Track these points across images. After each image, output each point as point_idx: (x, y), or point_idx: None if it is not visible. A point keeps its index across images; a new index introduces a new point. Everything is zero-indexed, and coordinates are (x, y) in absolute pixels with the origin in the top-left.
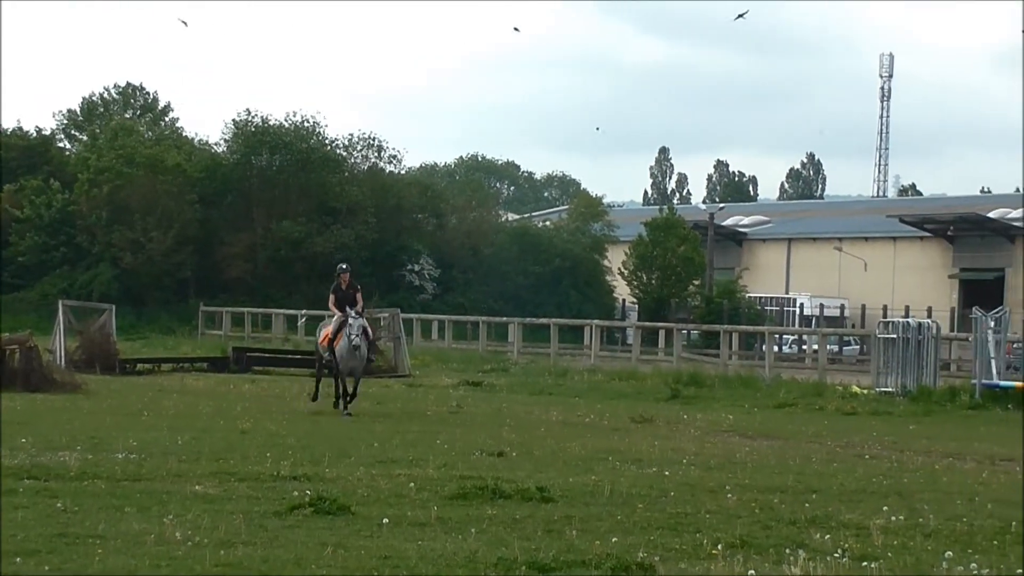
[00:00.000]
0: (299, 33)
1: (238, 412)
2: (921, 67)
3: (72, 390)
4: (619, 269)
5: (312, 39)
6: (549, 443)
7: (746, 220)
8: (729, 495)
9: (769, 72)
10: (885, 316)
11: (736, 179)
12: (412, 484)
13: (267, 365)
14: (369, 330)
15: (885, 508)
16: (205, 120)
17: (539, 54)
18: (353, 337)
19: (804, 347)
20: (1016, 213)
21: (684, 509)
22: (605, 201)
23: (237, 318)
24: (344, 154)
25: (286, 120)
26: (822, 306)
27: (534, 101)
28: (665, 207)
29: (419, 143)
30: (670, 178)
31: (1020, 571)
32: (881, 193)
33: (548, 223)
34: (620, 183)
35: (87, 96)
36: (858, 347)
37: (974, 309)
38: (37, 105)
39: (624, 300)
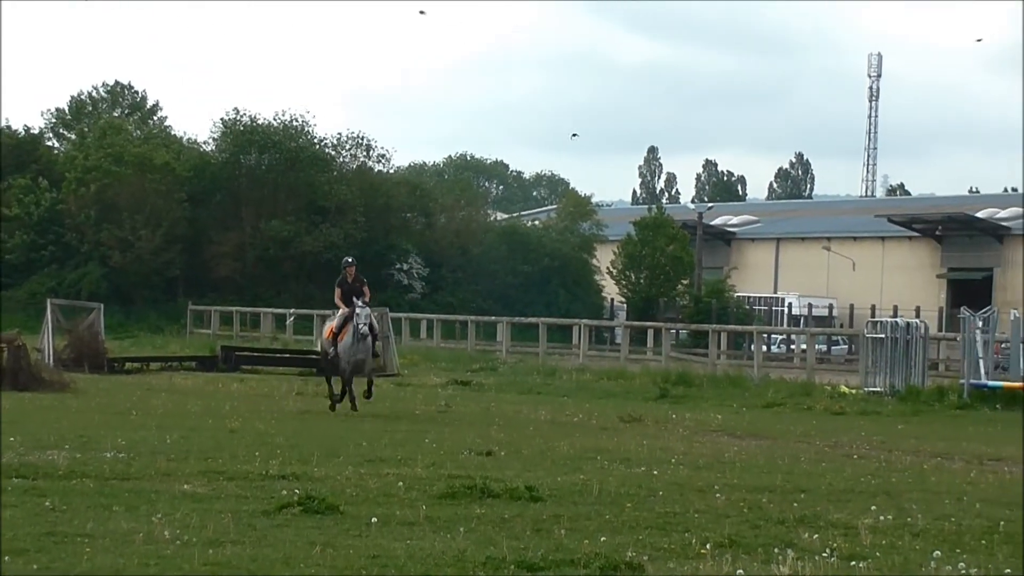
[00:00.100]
0: (288, 32)
1: (226, 411)
2: (910, 67)
3: (60, 389)
4: (608, 268)
5: (301, 38)
6: (537, 442)
7: (735, 219)
8: (717, 494)
9: (758, 72)
10: (873, 316)
11: (724, 178)
12: (401, 483)
13: (256, 364)
14: (375, 324)
15: (873, 508)
16: (194, 119)
17: (528, 54)
18: (360, 326)
19: (792, 347)
20: (1004, 213)
21: (672, 508)
22: (594, 200)
23: (226, 317)
24: (333, 153)
25: (275, 119)
26: (810, 306)
27: (523, 100)
28: (654, 206)
29: (408, 142)
30: (659, 177)
31: (1008, 571)
32: (869, 193)
33: (537, 222)
34: (609, 182)
35: (76, 95)
36: (846, 347)
37: (962, 309)
38: (25, 103)
39: (613, 299)
